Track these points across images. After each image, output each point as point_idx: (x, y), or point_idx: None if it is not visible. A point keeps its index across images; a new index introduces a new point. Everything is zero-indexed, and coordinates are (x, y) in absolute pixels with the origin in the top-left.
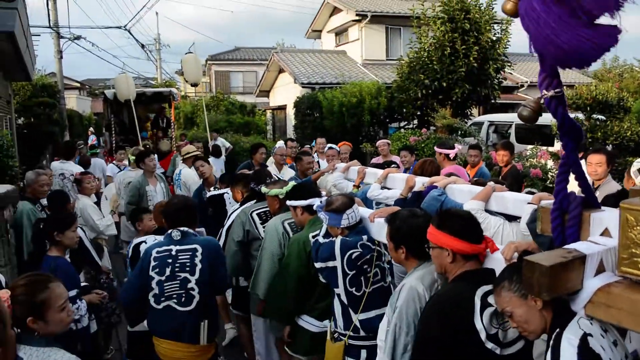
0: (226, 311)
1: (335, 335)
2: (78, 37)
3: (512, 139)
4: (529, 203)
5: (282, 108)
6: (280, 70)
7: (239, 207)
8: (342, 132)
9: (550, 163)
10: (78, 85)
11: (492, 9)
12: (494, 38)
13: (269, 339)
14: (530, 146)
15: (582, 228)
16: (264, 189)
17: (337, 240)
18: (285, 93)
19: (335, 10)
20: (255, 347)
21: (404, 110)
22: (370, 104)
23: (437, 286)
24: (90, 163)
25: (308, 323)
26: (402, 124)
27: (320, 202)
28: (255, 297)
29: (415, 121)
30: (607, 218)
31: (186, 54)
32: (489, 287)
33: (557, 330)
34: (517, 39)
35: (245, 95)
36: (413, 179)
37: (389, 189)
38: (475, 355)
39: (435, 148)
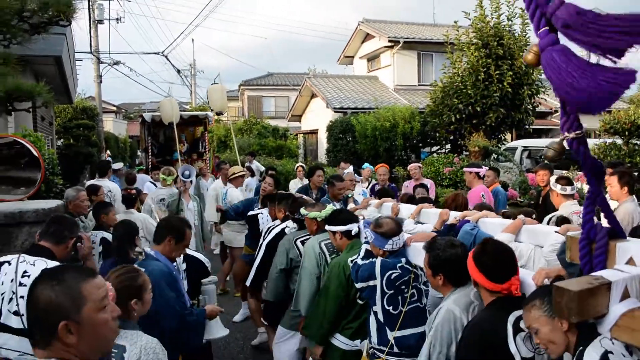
0: (259, 315)
1: (371, 351)
2: (117, 63)
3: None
4: (556, 232)
5: (314, 132)
6: (313, 95)
7: (279, 224)
8: (374, 156)
9: (586, 187)
10: (115, 109)
11: (526, 34)
12: None
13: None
14: (565, 171)
15: (609, 257)
16: (302, 211)
17: (378, 261)
18: (317, 117)
19: (368, 37)
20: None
21: (437, 134)
22: (403, 128)
23: (473, 307)
24: (135, 179)
25: (340, 341)
26: (434, 149)
27: (364, 220)
28: (297, 314)
29: (448, 146)
30: (632, 248)
31: (212, 84)
32: (520, 312)
33: (580, 348)
34: None
35: (277, 119)
36: (447, 213)
37: (422, 223)
38: None
39: (465, 169)
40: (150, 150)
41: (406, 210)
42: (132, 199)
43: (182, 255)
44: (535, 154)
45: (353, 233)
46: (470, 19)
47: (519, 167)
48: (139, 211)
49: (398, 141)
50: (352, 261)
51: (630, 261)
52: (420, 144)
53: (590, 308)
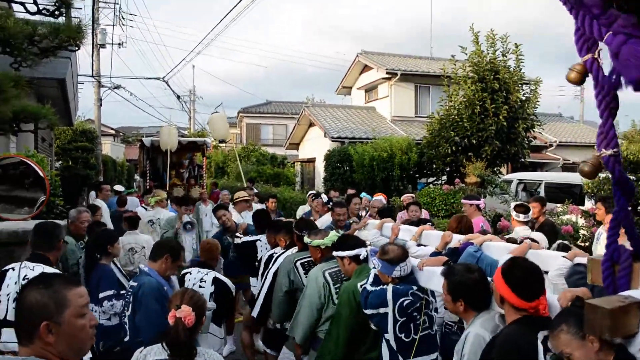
0: (251, 351)
1: None
2: (118, 87)
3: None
4: (563, 256)
5: (312, 161)
6: (311, 124)
7: (282, 252)
8: (371, 186)
9: (581, 221)
10: (113, 132)
11: (521, 70)
12: (523, 98)
13: None
14: (560, 205)
15: (632, 278)
16: (306, 239)
17: (389, 288)
18: (315, 146)
19: (366, 68)
20: None
21: (434, 166)
22: (400, 158)
23: (501, 331)
24: (126, 202)
25: None
26: (430, 180)
27: (371, 247)
28: (293, 341)
29: (444, 177)
30: None
31: (213, 113)
32: (546, 332)
33: None
34: (546, 100)
35: (275, 147)
36: (450, 235)
37: (424, 245)
38: None
39: (464, 200)
40: (147, 175)
41: (407, 231)
42: (136, 220)
43: (211, 279)
44: (531, 187)
45: (361, 258)
46: (466, 54)
47: (514, 200)
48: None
49: (395, 171)
50: (361, 286)
51: None
52: (417, 175)
53: (623, 326)
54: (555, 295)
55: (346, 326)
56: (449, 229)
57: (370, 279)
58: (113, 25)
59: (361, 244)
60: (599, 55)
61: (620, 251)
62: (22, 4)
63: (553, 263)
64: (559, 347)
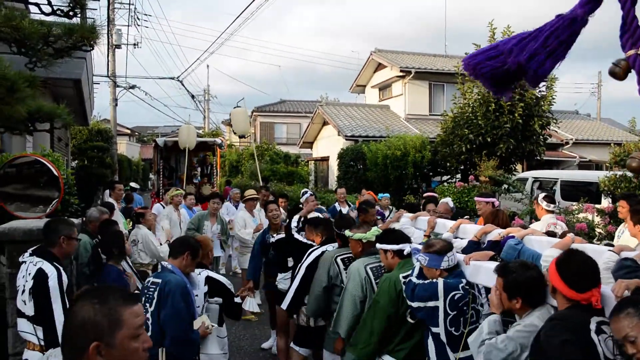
0: (285, 356)
1: None
2: (133, 87)
3: (557, 195)
4: (609, 250)
5: (325, 159)
6: (324, 123)
7: (317, 248)
8: (385, 184)
9: (597, 219)
10: (129, 131)
11: None
12: (539, 95)
13: None
14: (575, 203)
15: None
16: (347, 233)
17: (440, 282)
18: (328, 145)
19: (380, 67)
20: None
21: (448, 164)
22: (414, 157)
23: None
24: (133, 199)
25: None
26: (444, 178)
27: (412, 248)
28: (335, 337)
29: (459, 175)
30: None
31: (235, 107)
32: (600, 318)
33: None
34: (562, 97)
35: (289, 146)
36: (491, 227)
37: (461, 238)
38: None
39: (477, 198)
40: (161, 173)
41: (442, 225)
42: (142, 215)
43: (204, 278)
44: (547, 185)
45: (405, 253)
46: None
47: (529, 198)
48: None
49: (409, 170)
50: (404, 277)
51: None
52: (431, 173)
53: None
54: (607, 287)
55: (382, 316)
56: (485, 222)
57: (416, 271)
58: (128, 25)
59: (406, 239)
60: None
61: None
62: (37, 4)
63: (598, 257)
64: (622, 330)
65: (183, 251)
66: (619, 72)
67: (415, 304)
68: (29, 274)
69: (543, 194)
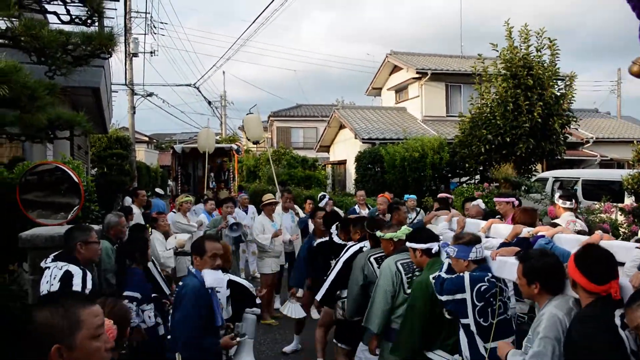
0: (322, 345)
1: None
2: (150, 94)
3: (579, 195)
4: (637, 247)
5: (342, 163)
6: (341, 126)
7: (355, 244)
8: (403, 186)
9: (620, 218)
10: (147, 139)
11: (555, 65)
12: (558, 94)
13: None
14: (598, 202)
15: None
16: (379, 233)
17: (466, 275)
18: (345, 148)
19: (396, 69)
20: None
21: (467, 165)
22: (432, 158)
23: (574, 313)
24: (151, 205)
25: (440, 357)
26: (463, 179)
27: (442, 242)
28: (365, 329)
29: (478, 176)
30: None
31: (247, 114)
32: (622, 311)
33: None
34: (582, 95)
35: (306, 150)
36: (520, 227)
37: (493, 238)
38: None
39: (497, 199)
40: (179, 179)
41: (473, 224)
42: (152, 220)
43: (225, 282)
44: (567, 185)
45: (433, 252)
46: (497, 50)
47: (549, 198)
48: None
49: (427, 171)
50: (433, 277)
51: None
52: (450, 175)
53: None
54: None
55: (420, 317)
56: (514, 223)
57: (444, 268)
58: (145, 34)
59: (434, 238)
60: None
61: None
62: (56, 13)
63: (626, 254)
64: (636, 320)
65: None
66: (637, 70)
67: (444, 298)
68: (54, 277)
69: (559, 193)
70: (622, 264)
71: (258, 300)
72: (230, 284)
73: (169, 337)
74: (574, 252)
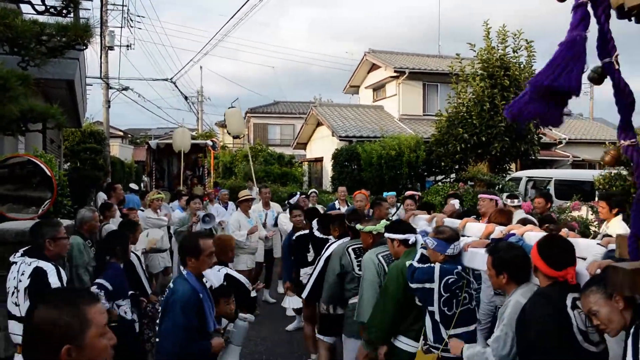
0: (313, 342)
1: (426, 348)
2: (126, 88)
3: (552, 194)
4: (597, 244)
5: (319, 160)
6: (318, 124)
7: (335, 241)
8: (380, 184)
9: (591, 217)
10: (121, 134)
11: (532, 66)
12: None
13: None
14: (568, 201)
15: None
16: (358, 226)
17: (437, 266)
18: (322, 146)
19: (374, 67)
20: None
21: (442, 164)
22: (409, 157)
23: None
24: (125, 200)
25: (405, 344)
26: (439, 178)
27: (421, 230)
28: (360, 323)
29: (453, 175)
30: None
31: (229, 108)
32: (575, 294)
33: (637, 323)
34: None
35: (283, 147)
36: (493, 227)
37: (467, 236)
38: (570, 341)
39: (482, 195)
40: (154, 175)
41: (451, 224)
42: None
43: (222, 275)
44: (540, 184)
45: (410, 242)
46: (475, 51)
47: (522, 197)
48: None
49: (403, 170)
50: (409, 264)
51: None
52: (426, 173)
53: None
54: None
55: (392, 300)
56: (489, 222)
57: (417, 256)
58: (121, 27)
59: (412, 230)
60: (616, 59)
61: None
62: (30, 3)
63: (587, 250)
64: (587, 305)
65: (184, 257)
66: (596, 78)
67: (414, 285)
68: (22, 273)
69: (506, 194)
70: (584, 259)
71: (254, 293)
72: (227, 277)
73: (157, 340)
74: (537, 241)
